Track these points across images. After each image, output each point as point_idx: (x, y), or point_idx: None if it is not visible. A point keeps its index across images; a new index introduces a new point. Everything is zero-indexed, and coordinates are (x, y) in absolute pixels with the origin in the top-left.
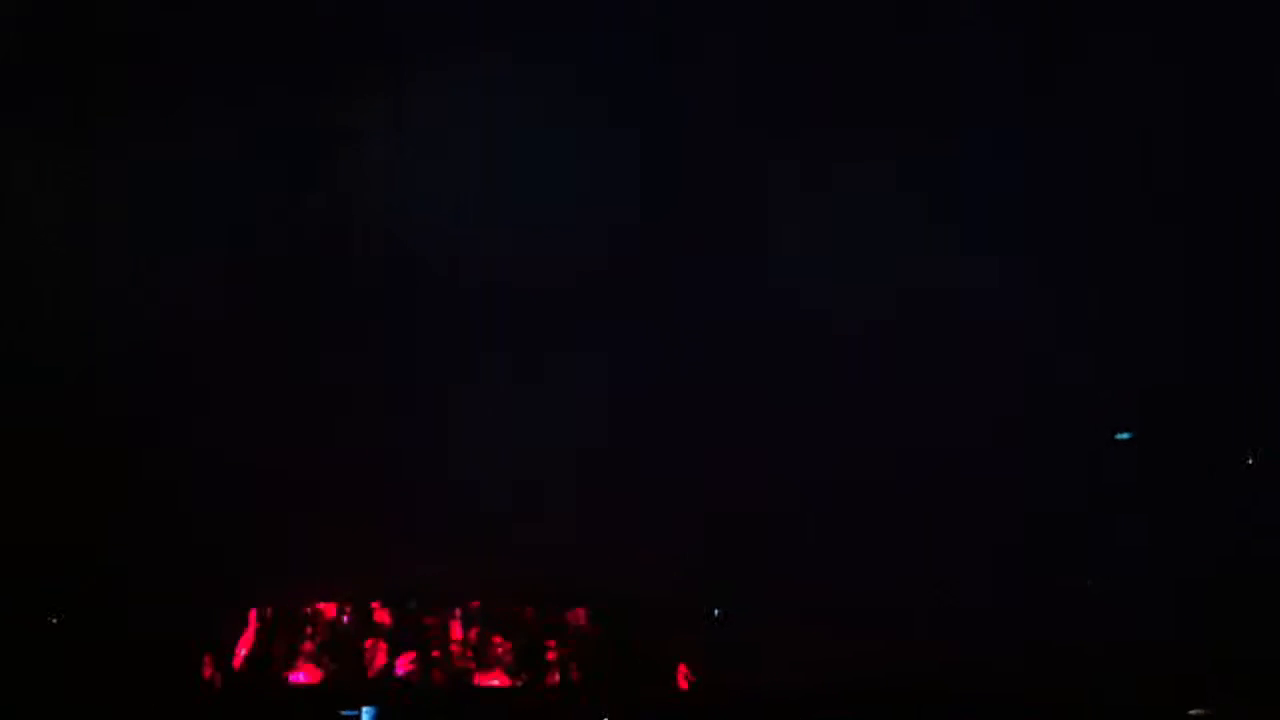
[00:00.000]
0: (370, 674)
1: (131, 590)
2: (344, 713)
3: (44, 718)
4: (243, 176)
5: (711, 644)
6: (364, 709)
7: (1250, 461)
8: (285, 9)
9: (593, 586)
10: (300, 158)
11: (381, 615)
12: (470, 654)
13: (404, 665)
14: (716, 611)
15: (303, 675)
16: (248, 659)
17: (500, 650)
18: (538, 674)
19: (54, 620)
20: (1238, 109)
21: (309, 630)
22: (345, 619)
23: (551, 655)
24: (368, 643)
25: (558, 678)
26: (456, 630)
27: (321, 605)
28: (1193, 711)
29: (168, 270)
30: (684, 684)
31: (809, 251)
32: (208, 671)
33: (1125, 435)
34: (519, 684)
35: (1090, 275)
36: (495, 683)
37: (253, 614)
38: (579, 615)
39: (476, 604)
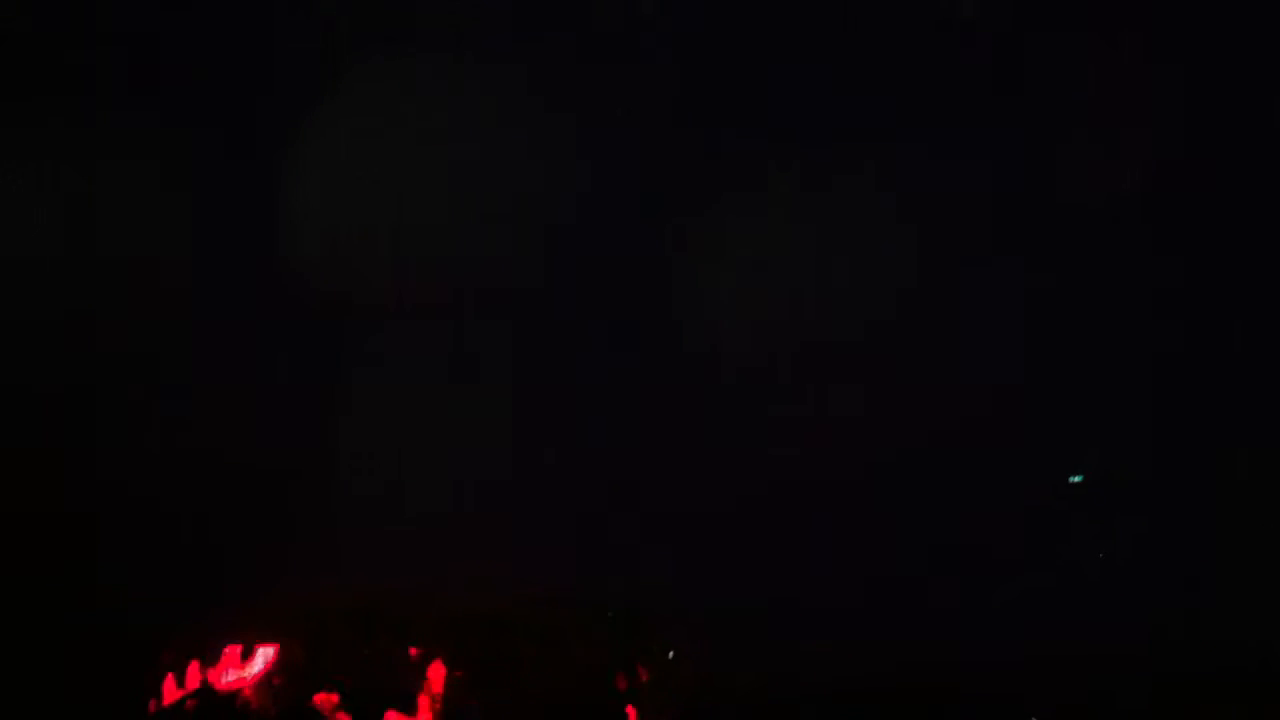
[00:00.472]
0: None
1: (131, 591)
2: None
3: (44, 718)
4: (240, 176)
5: (710, 644)
6: None
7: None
8: (280, 9)
9: (591, 588)
10: (297, 157)
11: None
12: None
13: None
14: (671, 654)
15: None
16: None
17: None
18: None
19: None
20: (1238, 109)
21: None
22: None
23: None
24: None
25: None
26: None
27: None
28: None
29: (167, 270)
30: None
31: (808, 251)
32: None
33: (1077, 478)
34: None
35: (1090, 275)
36: None
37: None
38: None
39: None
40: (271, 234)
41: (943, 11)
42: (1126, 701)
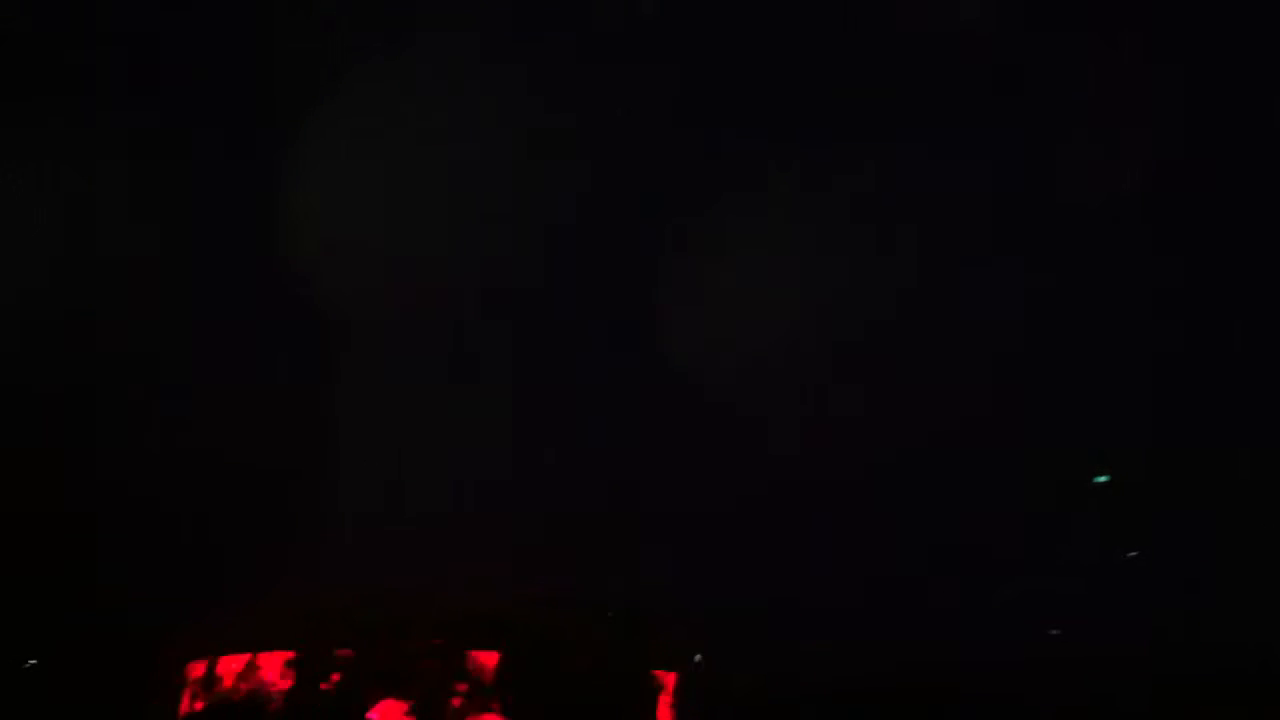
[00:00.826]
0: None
1: (131, 591)
2: None
3: (44, 717)
4: (240, 176)
5: (709, 645)
6: None
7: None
8: (280, 11)
9: (591, 588)
10: (297, 156)
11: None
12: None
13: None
14: (697, 658)
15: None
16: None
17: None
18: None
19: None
20: (1237, 109)
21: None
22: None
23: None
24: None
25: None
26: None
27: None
28: None
29: (167, 270)
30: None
31: (808, 251)
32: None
33: (1102, 479)
34: None
35: (1088, 275)
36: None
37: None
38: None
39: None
40: (271, 234)
41: (943, 12)
42: (1127, 703)
